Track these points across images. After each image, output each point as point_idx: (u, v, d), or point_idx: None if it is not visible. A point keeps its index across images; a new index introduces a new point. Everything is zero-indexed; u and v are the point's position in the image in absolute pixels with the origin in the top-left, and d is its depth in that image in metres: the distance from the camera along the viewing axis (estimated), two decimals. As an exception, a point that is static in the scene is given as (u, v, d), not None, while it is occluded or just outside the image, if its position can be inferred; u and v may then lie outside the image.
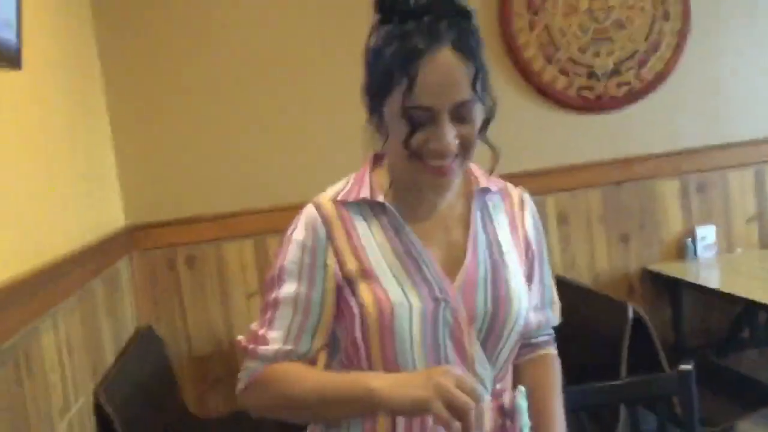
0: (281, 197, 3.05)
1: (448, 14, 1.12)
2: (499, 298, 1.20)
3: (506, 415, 1.23)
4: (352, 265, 1.19)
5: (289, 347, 1.20)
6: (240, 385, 1.23)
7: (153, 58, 3.09)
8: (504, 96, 3.51)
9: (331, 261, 1.20)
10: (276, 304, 1.21)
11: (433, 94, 1.11)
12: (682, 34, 3.38)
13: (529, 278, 1.31)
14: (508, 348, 1.23)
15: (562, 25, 3.31)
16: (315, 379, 1.17)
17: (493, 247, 1.24)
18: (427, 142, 1.13)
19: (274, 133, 3.17)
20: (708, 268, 3.38)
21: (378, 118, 1.19)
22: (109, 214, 2.91)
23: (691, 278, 3.29)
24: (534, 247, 1.32)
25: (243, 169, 3.17)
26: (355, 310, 1.18)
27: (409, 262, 1.19)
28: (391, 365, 1.17)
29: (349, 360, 1.22)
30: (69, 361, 2.02)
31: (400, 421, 1.18)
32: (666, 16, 3.36)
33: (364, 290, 1.18)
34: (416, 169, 1.16)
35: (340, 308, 1.21)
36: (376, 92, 1.17)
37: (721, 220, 3.51)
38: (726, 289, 3.07)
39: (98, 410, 2.22)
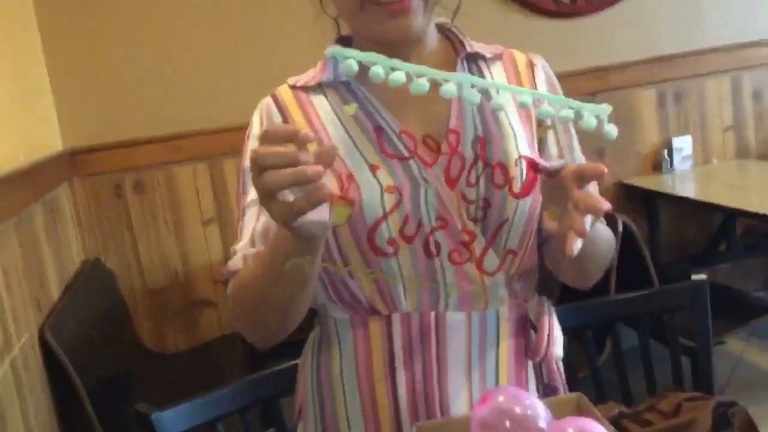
0: (238, 115, 2.77)
1: None
2: (499, 186, 1.00)
3: (531, 327, 1.05)
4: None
5: (254, 250, 1.01)
6: (231, 316, 1.04)
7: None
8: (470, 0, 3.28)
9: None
10: (243, 213, 1.05)
11: None
12: (660, -69, 3.17)
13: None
14: (517, 234, 1.01)
15: None
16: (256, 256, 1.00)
17: (487, 115, 1.03)
18: None
19: (227, 44, 2.89)
20: (684, 179, 3.27)
21: None
22: (44, 138, 2.62)
23: (667, 190, 3.19)
24: None
25: (194, 86, 2.89)
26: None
27: (381, 139, 1.01)
28: (371, 260, 0.99)
29: (324, 262, 1.02)
30: (7, 293, 1.79)
31: (396, 324, 1.01)
32: None
33: (329, 175, 0.97)
34: (372, 19, 0.98)
35: None
36: None
37: (698, 131, 3.38)
38: (703, 199, 2.96)
39: (45, 348, 1.99)
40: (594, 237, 0.99)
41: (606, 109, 0.81)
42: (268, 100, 1.09)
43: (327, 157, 0.81)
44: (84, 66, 2.81)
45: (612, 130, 0.81)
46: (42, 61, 2.72)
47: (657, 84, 3.30)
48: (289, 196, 0.79)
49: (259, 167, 0.78)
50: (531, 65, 1.10)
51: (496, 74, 1.07)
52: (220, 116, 2.86)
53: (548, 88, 1.09)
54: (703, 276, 1.58)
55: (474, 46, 1.09)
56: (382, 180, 0.98)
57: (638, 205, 3.30)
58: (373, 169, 0.98)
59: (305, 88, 1.07)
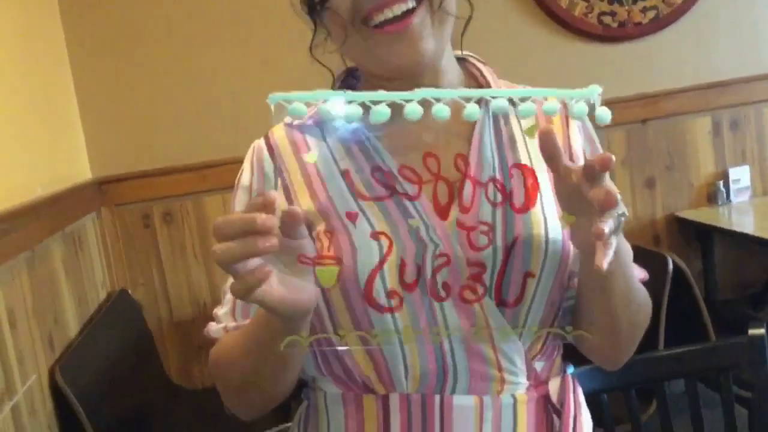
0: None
1: None
2: (515, 237, 0.85)
3: (553, 411, 0.90)
4: (305, 202, 0.89)
5: (234, 323, 0.91)
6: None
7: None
8: (513, 23, 3.16)
9: (283, 204, 0.89)
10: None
11: None
12: (715, -50, 3.00)
13: None
14: (531, 252, 0.86)
15: (580, -58, 2.93)
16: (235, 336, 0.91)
17: (511, 169, 0.89)
18: None
19: (255, 72, 2.81)
20: (742, 213, 3.07)
21: (320, 19, 0.91)
22: (72, 167, 2.57)
23: (723, 224, 2.98)
24: None
25: (222, 114, 2.81)
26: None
27: (384, 193, 0.87)
28: (363, 320, 0.86)
29: (314, 332, 0.90)
30: (12, 334, 1.70)
31: (394, 406, 0.87)
32: (696, -69, 2.98)
33: (321, 234, 0.87)
34: (371, 44, 0.85)
35: None
36: None
37: (756, 161, 3.17)
38: (762, 235, 2.75)
39: (55, 390, 1.90)
40: (630, 295, 0.85)
41: (594, 90, 0.68)
42: (260, 144, 0.97)
43: (292, 224, 0.70)
44: (113, 95, 2.76)
45: (604, 113, 0.68)
46: (72, 92, 2.68)
47: (712, 111, 3.11)
48: (245, 267, 0.68)
49: (217, 238, 0.68)
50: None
51: (525, 121, 0.92)
52: (248, 145, 2.77)
53: (583, 139, 0.94)
54: (761, 330, 1.41)
55: (501, 85, 0.95)
56: (383, 241, 0.84)
57: (692, 239, 3.11)
58: (373, 228, 0.85)
59: (301, 128, 0.95)
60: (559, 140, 0.91)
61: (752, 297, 3.14)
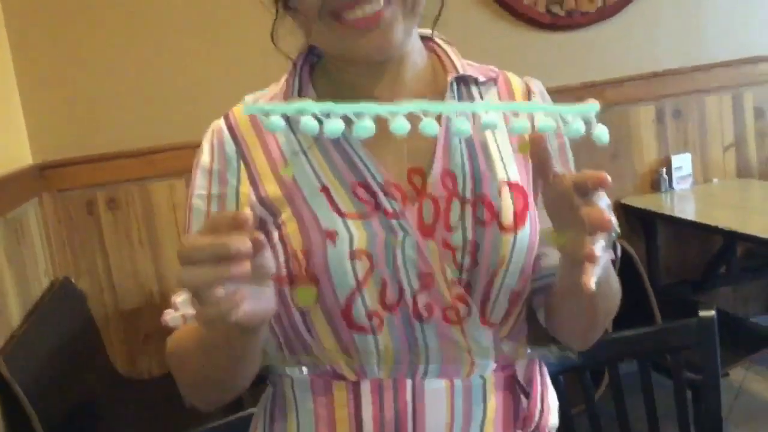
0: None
1: None
2: (485, 223, 0.85)
3: (520, 390, 0.91)
4: (271, 187, 0.87)
5: (193, 312, 0.87)
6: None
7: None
8: (461, 10, 3.16)
9: (246, 188, 0.88)
10: None
11: None
12: (659, -58, 3.06)
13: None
14: (507, 292, 0.86)
15: (529, -70, 2.95)
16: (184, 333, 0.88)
17: (478, 153, 0.87)
18: None
19: (203, 54, 2.75)
20: (683, 200, 3.15)
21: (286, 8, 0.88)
22: (12, 151, 2.48)
23: (666, 211, 3.07)
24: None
25: (169, 98, 2.75)
26: (279, 249, 0.85)
27: (352, 178, 0.85)
28: (336, 320, 0.84)
29: (279, 323, 0.88)
30: (-47, 326, 1.64)
31: (365, 392, 0.87)
32: None
33: (289, 220, 0.85)
34: (339, 36, 0.83)
35: None
36: None
37: (698, 149, 3.25)
38: (703, 221, 2.83)
39: (-1, 381, 1.85)
40: (609, 288, 0.86)
41: (592, 107, 0.64)
42: (220, 125, 0.93)
43: (259, 246, 0.67)
44: (55, 77, 2.67)
45: (603, 133, 0.66)
46: (11, 73, 2.58)
47: (655, 100, 3.18)
48: (214, 295, 0.64)
49: (183, 263, 0.64)
50: (528, 92, 0.95)
51: (492, 99, 0.91)
52: (197, 129, 2.70)
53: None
54: (712, 312, 1.45)
55: (462, 68, 0.93)
56: (352, 227, 0.83)
57: (635, 225, 3.17)
58: (341, 213, 0.83)
59: None
60: (521, 114, 0.91)
61: (693, 282, 3.23)
